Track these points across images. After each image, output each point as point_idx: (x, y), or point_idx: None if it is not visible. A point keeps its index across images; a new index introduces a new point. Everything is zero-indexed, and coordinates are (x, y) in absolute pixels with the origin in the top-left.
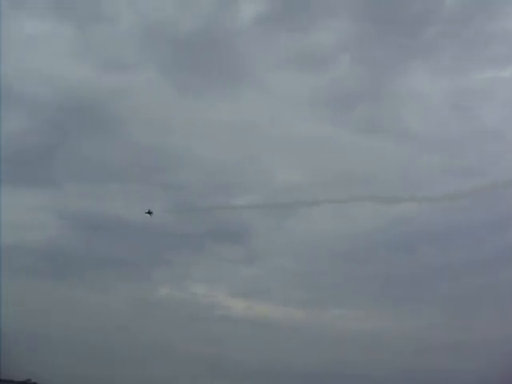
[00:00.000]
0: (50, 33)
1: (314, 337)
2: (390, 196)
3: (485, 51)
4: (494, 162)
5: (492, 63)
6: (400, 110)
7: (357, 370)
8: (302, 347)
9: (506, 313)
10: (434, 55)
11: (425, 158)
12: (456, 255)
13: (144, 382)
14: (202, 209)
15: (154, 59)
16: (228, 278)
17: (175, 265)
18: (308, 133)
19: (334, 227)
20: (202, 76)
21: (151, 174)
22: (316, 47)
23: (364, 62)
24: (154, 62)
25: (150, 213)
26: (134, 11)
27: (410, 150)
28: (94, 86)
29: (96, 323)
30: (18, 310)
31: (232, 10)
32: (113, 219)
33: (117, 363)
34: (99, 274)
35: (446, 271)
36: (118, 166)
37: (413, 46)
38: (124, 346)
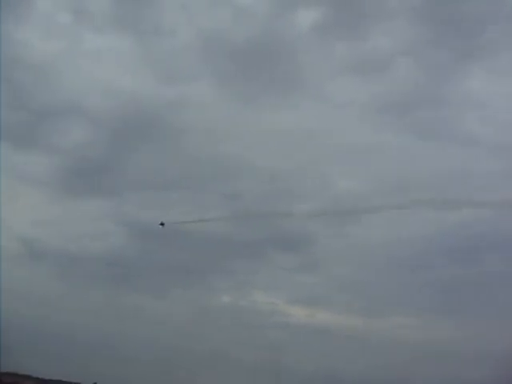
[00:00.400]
0: (111, 46)
1: (373, 345)
2: (451, 202)
3: None
4: None
5: None
6: (461, 114)
7: (416, 379)
8: (360, 355)
9: None
10: (494, 56)
11: (487, 163)
12: None
13: None
14: (262, 216)
15: (211, 70)
16: (288, 285)
17: (236, 272)
18: (367, 139)
19: (393, 234)
20: (259, 85)
21: (210, 182)
22: (373, 53)
23: (423, 66)
24: (212, 72)
25: (162, 224)
26: (192, 23)
27: (471, 155)
28: (154, 98)
29: (157, 330)
30: (79, 316)
31: (289, 19)
32: (172, 227)
33: (177, 370)
34: (160, 281)
35: (509, 278)
36: (176, 175)
37: (473, 48)
38: (184, 353)
